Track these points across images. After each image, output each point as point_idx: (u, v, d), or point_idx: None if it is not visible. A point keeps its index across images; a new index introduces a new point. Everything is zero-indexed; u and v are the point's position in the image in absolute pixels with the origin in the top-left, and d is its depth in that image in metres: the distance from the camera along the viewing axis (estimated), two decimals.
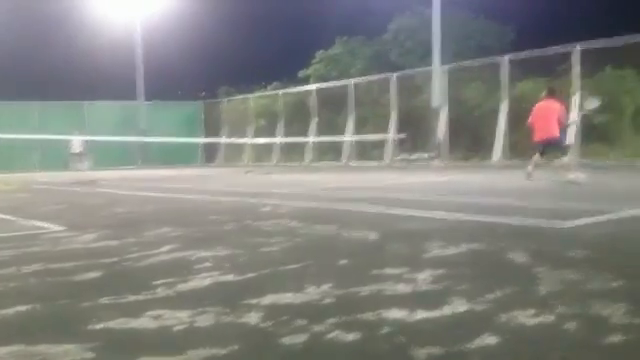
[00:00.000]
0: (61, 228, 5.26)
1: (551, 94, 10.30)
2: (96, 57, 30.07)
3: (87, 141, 23.40)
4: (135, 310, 2.50)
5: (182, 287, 2.92)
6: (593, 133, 15.97)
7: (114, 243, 4.37)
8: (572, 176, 9.40)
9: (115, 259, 3.69)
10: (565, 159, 10.29)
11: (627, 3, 22.64)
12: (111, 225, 5.51)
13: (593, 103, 10.29)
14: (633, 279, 2.94)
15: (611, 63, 16.52)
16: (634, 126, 16.77)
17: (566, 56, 16.94)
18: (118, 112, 28.61)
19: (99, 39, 29.11)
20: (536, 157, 10.23)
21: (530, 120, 10.26)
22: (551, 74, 16.93)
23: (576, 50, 16.72)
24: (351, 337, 2.11)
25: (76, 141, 23.82)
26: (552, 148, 10.09)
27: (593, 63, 16.51)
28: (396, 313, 2.37)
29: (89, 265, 3.50)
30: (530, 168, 9.93)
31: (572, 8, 24.70)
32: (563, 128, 10.42)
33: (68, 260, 3.67)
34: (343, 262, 3.48)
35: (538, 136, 10.03)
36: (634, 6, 21.43)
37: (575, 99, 15.76)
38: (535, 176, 9.84)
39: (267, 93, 28.79)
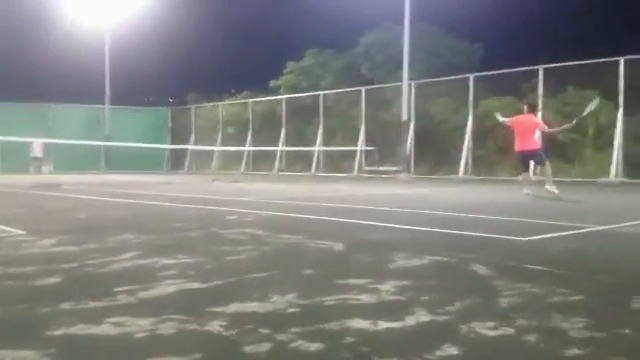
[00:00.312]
0: (22, 232, 5.14)
1: (531, 109, 10.79)
2: (65, 60, 29.59)
3: (47, 144, 22.92)
4: (96, 316, 2.46)
5: (145, 294, 2.89)
6: (555, 151, 16.36)
7: (76, 248, 4.29)
8: (548, 187, 9.67)
9: (76, 264, 3.63)
10: (526, 174, 10.61)
11: (594, 26, 23.43)
12: (73, 230, 5.41)
13: (593, 104, 10.69)
14: (591, 293, 3.02)
15: (574, 84, 17.02)
16: (595, 145, 17.29)
17: (533, 74, 17.40)
18: (83, 116, 28.18)
19: (68, 43, 28.68)
20: (523, 176, 10.63)
21: (509, 123, 10.51)
22: (517, 92, 17.35)
23: (540, 70, 17.18)
24: (314, 346, 2.12)
25: (37, 144, 23.33)
26: (530, 160, 10.47)
27: (557, 83, 17.00)
28: (360, 323, 2.38)
29: (49, 270, 3.43)
30: (527, 190, 9.99)
31: (542, 28, 25.42)
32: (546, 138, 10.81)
33: (28, 264, 3.59)
34: (308, 272, 3.49)
35: (517, 147, 10.31)
36: (600, 30, 22.19)
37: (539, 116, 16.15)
38: (531, 191, 9.92)
39: (237, 101, 28.72)
